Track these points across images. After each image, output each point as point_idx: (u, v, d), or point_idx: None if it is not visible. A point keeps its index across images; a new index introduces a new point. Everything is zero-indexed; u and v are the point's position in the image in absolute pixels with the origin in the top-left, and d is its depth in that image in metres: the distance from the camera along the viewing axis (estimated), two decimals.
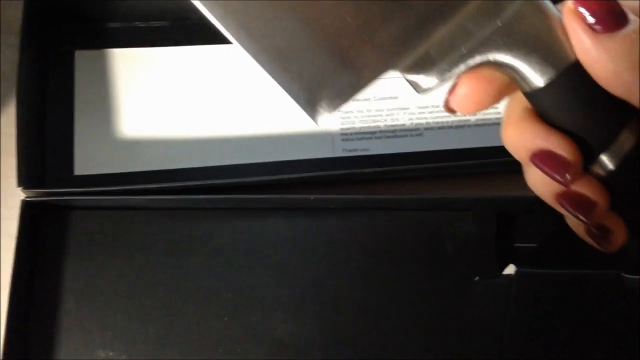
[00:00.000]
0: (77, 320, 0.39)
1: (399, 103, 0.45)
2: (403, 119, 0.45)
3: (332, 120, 0.45)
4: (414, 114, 0.45)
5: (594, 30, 0.20)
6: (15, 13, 0.42)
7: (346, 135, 0.44)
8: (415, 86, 0.23)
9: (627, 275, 0.40)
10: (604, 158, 0.23)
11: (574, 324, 0.40)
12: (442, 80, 0.22)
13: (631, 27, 0.20)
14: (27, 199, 0.39)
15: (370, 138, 0.44)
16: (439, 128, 0.45)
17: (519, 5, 0.21)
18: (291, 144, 0.44)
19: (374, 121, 0.45)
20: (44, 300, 0.39)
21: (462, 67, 0.22)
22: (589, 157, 0.23)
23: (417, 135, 0.44)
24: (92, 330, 0.39)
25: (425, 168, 0.43)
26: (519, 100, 0.24)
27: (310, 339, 0.40)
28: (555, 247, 0.42)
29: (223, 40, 0.48)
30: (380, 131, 0.45)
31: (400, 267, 0.41)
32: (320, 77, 0.22)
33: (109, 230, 0.41)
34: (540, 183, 0.24)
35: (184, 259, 0.41)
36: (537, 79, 0.22)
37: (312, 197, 0.41)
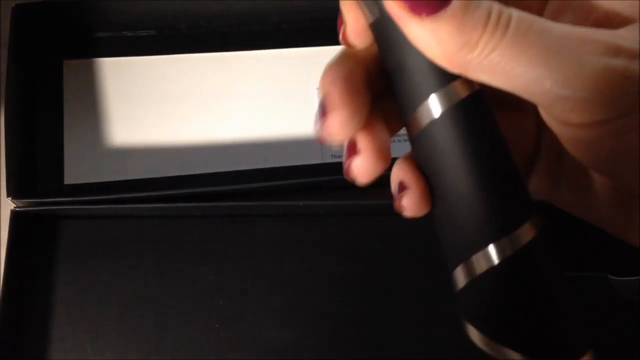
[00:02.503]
0: (68, 329, 0.39)
1: None
2: None
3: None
4: None
5: (417, 16, 0.19)
6: (4, 24, 0.43)
7: None
8: None
9: (613, 277, 0.41)
10: (431, 104, 0.20)
11: None
12: None
13: (456, 4, 0.18)
14: (17, 209, 0.40)
15: None
16: None
17: None
18: (279, 151, 0.44)
19: None
20: (35, 310, 0.40)
21: None
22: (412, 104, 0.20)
23: (405, 140, 0.45)
24: (83, 338, 0.39)
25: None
26: None
27: (302, 345, 0.40)
28: None
29: (210, 49, 0.48)
30: None
31: (391, 271, 0.42)
32: None
33: (99, 239, 0.41)
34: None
35: (174, 267, 0.41)
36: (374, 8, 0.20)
37: (300, 203, 0.41)
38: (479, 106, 0.20)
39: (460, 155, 0.20)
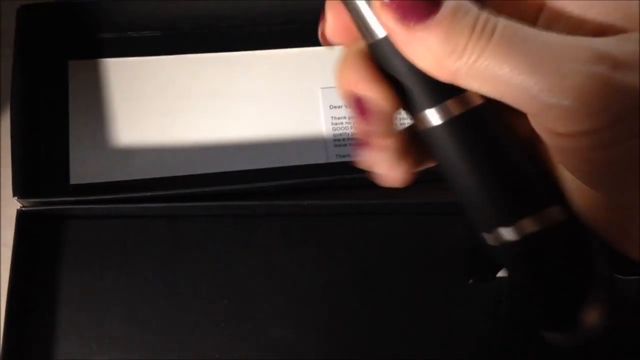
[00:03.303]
0: (73, 328, 0.40)
1: None
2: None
3: (325, 127, 0.45)
4: (405, 118, 0.45)
5: (406, 24, 0.19)
6: (9, 25, 0.43)
7: (339, 141, 0.45)
8: None
9: (620, 277, 0.41)
10: (428, 114, 0.22)
11: None
12: None
13: (446, 10, 0.19)
14: (23, 209, 0.40)
15: None
16: None
17: None
18: (284, 151, 0.44)
19: None
20: (40, 309, 0.40)
21: None
22: (417, 109, 0.22)
23: None
24: (88, 338, 0.39)
25: (418, 173, 0.43)
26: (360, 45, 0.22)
27: (305, 344, 0.40)
28: None
29: (214, 49, 0.48)
30: None
31: (394, 271, 0.42)
32: None
33: (104, 238, 0.41)
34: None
35: (179, 266, 0.41)
36: (378, 30, 0.21)
37: (305, 203, 0.41)
38: (477, 122, 0.21)
39: (464, 158, 0.22)
